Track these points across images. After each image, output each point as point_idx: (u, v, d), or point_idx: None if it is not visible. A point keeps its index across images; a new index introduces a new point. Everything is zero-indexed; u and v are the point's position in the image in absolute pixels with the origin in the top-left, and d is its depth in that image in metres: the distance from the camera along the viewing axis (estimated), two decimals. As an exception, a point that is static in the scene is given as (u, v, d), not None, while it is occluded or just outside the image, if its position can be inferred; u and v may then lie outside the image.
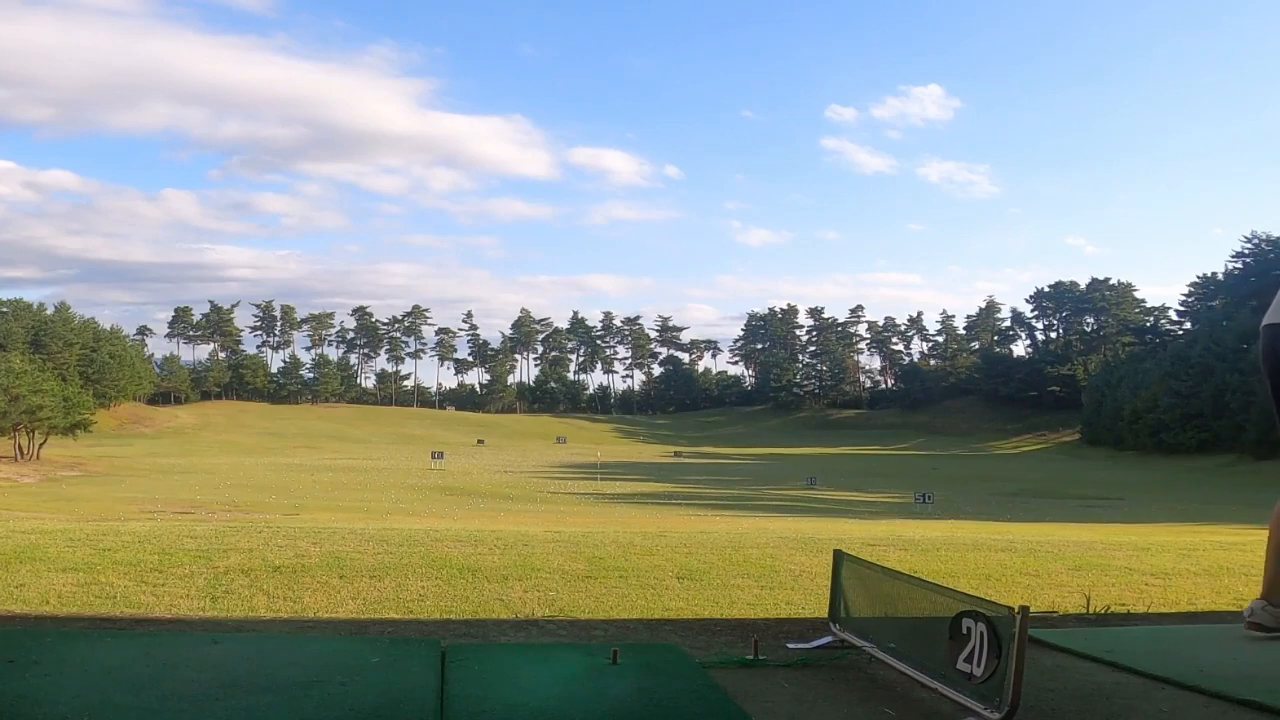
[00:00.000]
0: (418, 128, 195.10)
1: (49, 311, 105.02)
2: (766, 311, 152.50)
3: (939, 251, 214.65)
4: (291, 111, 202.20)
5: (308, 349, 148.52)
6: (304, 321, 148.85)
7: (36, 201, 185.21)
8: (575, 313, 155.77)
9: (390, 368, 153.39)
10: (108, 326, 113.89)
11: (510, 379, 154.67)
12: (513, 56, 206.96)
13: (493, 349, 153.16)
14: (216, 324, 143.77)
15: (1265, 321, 3.28)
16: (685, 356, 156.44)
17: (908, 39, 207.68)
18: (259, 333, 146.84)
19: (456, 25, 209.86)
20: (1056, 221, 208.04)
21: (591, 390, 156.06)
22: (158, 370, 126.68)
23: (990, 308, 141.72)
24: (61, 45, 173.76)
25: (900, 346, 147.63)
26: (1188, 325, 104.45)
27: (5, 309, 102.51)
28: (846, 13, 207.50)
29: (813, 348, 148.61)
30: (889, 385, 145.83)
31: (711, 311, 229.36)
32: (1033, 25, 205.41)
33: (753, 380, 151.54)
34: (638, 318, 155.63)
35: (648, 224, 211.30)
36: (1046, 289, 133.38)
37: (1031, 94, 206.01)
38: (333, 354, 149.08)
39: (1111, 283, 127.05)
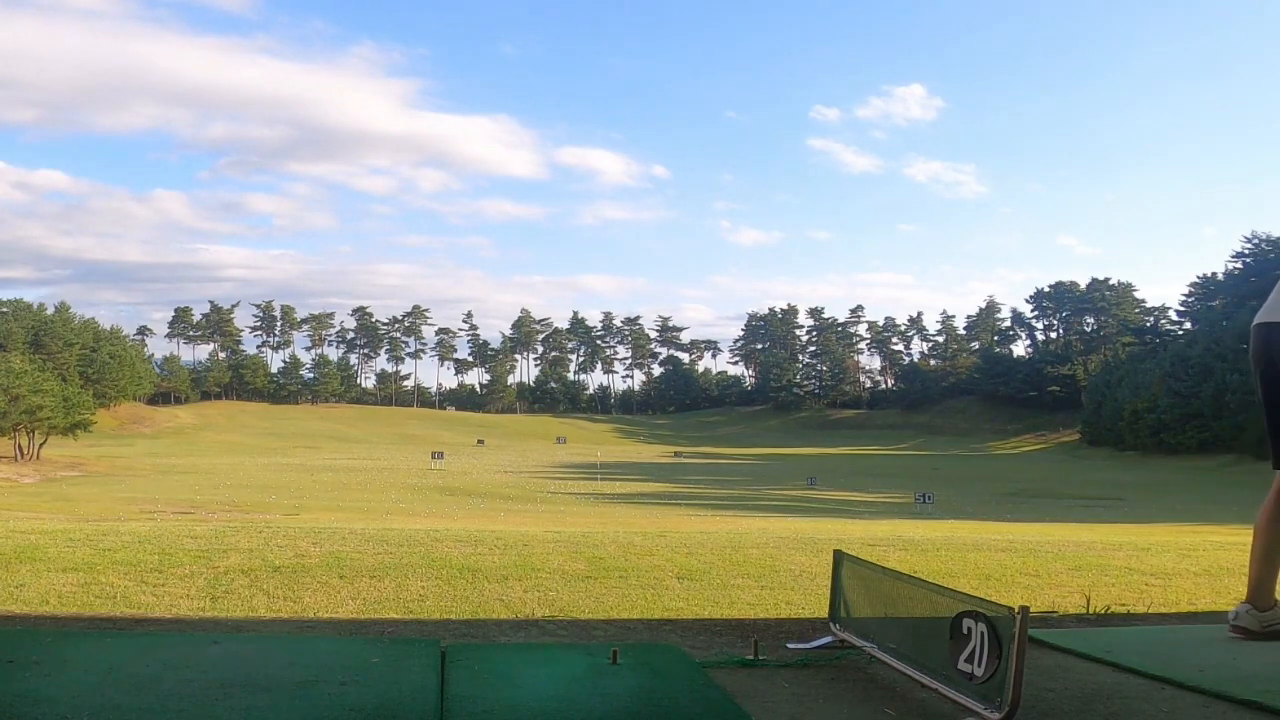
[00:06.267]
0: (404, 128, 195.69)
1: (49, 311, 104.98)
2: (766, 311, 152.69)
3: (930, 251, 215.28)
4: (276, 112, 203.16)
5: (308, 349, 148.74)
6: (304, 321, 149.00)
7: (28, 202, 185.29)
8: (575, 313, 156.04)
9: (390, 368, 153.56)
10: (107, 326, 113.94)
11: (510, 379, 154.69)
12: (495, 57, 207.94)
13: (493, 349, 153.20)
14: (216, 324, 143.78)
15: (1257, 320, 3.29)
16: (685, 357, 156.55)
17: (888, 39, 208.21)
18: (259, 333, 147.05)
19: (437, 26, 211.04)
20: (1047, 221, 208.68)
21: (591, 390, 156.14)
22: (158, 370, 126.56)
23: (990, 308, 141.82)
24: (45, 46, 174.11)
25: (900, 346, 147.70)
26: (1188, 325, 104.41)
27: (5, 309, 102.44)
28: (827, 13, 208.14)
29: (813, 348, 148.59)
30: (889, 385, 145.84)
31: (707, 311, 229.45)
32: (1014, 24, 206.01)
33: (753, 380, 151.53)
34: (637, 318, 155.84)
35: (638, 224, 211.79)
36: (1046, 289, 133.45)
37: (1014, 93, 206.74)
38: (333, 354, 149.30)
39: (1111, 283, 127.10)
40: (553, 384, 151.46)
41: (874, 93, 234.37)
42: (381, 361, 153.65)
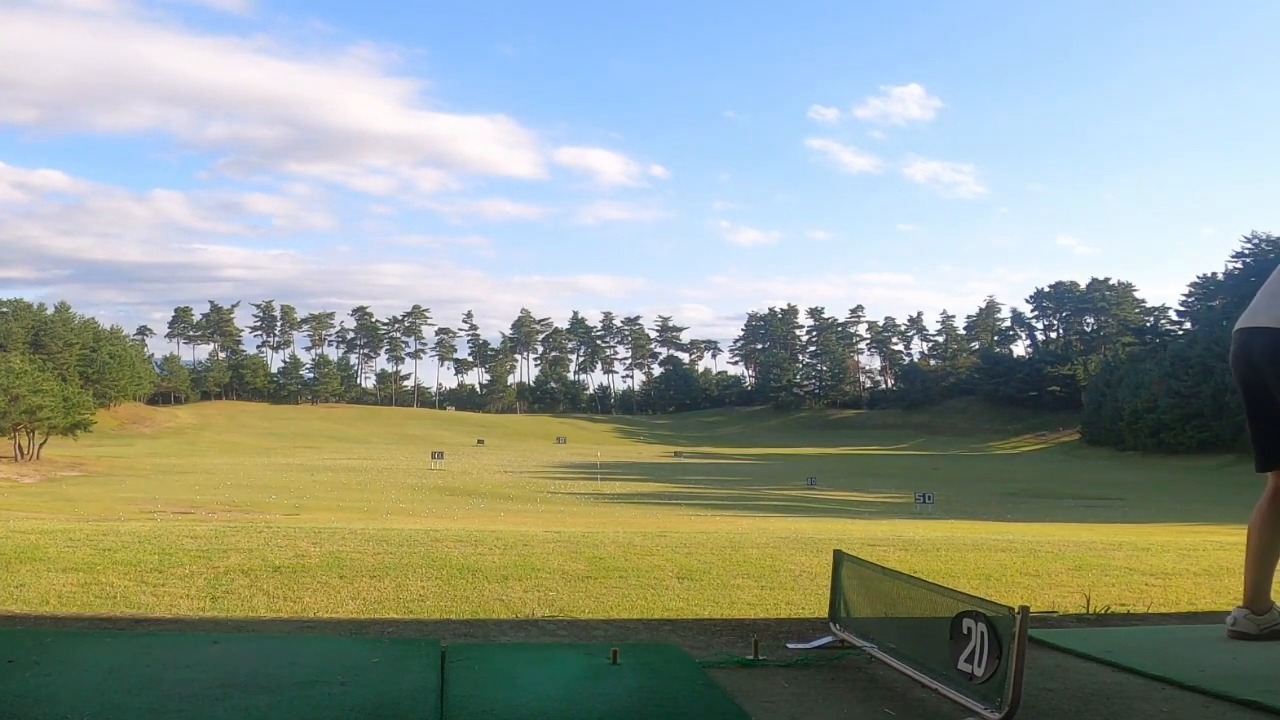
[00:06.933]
0: (402, 128, 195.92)
1: (49, 311, 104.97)
2: (766, 311, 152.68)
3: (930, 251, 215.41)
4: (275, 112, 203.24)
5: (308, 349, 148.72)
6: (304, 321, 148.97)
7: (27, 202, 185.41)
8: (575, 313, 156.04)
9: (390, 368, 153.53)
10: (107, 326, 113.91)
11: (510, 379, 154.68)
12: (493, 57, 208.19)
13: (493, 349, 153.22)
14: (216, 324, 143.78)
15: (1238, 326, 3.29)
16: (685, 356, 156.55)
17: (886, 39, 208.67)
18: (259, 333, 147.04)
19: (436, 26, 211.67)
20: (1046, 221, 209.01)
21: (591, 390, 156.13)
22: (158, 370, 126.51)
23: (990, 308, 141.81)
24: (43, 46, 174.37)
25: (900, 346, 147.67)
26: (1188, 325, 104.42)
27: (5, 309, 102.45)
28: (825, 14, 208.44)
29: (813, 348, 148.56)
30: (889, 385, 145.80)
31: (707, 312, 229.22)
32: (1012, 25, 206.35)
33: (753, 380, 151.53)
34: (637, 318, 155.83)
35: (638, 224, 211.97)
36: (1046, 289, 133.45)
37: (1013, 93, 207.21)
38: (333, 354, 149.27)
39: (1111, 283, 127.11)
40: (553, 384, 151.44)
41: (872, 93, 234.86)
42: (381, 361, 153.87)
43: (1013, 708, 2.04)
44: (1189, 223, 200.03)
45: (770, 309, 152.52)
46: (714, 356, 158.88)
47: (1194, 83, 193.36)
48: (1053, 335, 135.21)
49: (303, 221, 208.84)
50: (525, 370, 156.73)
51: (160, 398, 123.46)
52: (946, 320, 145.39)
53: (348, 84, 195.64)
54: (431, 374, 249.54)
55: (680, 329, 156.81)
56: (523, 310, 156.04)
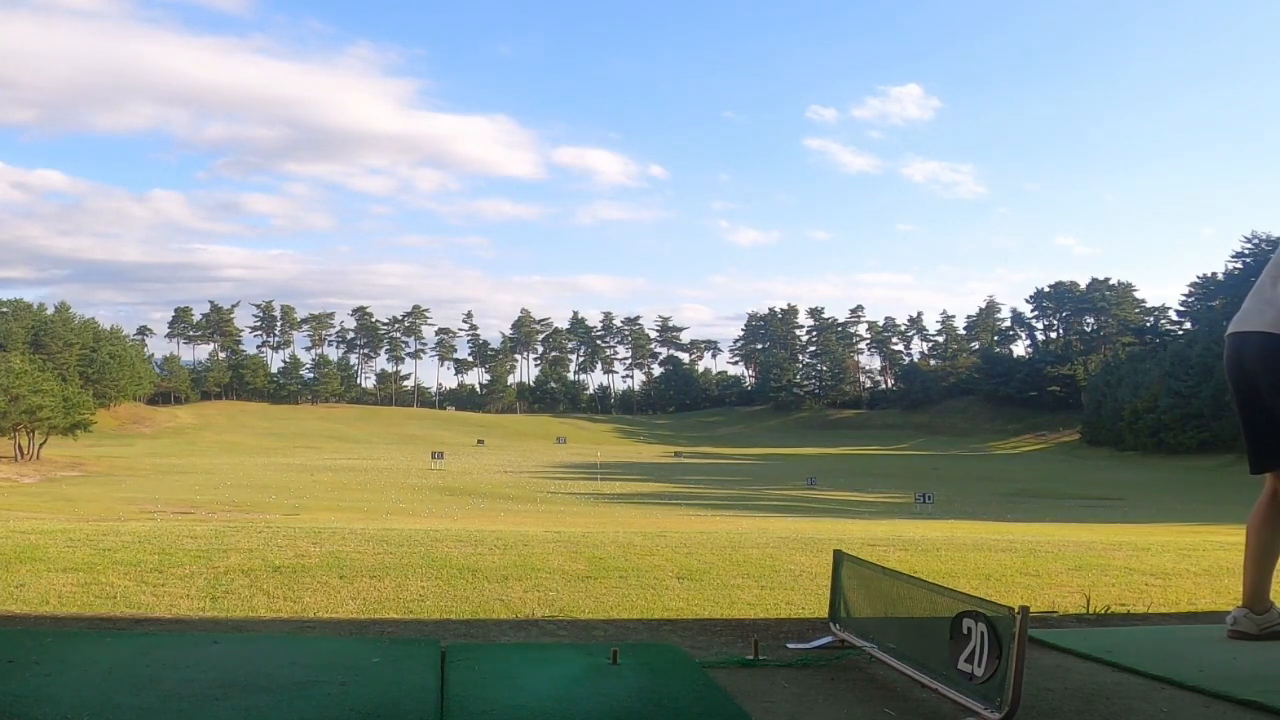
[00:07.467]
0: (401, 128, 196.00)
1: (49, 311, 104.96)
2: (766, 311, 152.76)
3: (929, 251, 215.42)
4: (274, 112, 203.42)
5: (308, 349, 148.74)
6: (304, 321, 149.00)
7: (26, 202, 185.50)
8: (575, 313, 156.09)
9: (390, 368, 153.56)
10: (107, 326, 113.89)
11: (510, 379, 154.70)
12: (492, 57, 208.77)
13: (493, 349, 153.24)
14: (216, 324, 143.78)
15: (1230, 330, 3.29)
16: (685, 356, 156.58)
17: (885, 39, 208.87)
18: (259, 333, 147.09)
19: (434, 26, 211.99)
20: (1045, 221, 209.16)
21: (591, 390, 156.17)
22: (158, 370, 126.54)
23: (990, 308, 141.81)
24: (41, 47, 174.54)
25: (900, 346, 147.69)
26: (1188, 325, 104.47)
27: (5, 309, 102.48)
28: (823, 14, 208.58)
29: (813, 348, 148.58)
30: (889, 385, 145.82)
31: (706, 311, 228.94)
32: (1011, 24, 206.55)
33: (753, 380, 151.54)
34: (637, 318, 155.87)
35: (637, 224, 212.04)
36: (1046, 289, 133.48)
37: (1012, 93, 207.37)
38: (333, 354, 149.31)
39: (1111, 283, 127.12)
40: (553, 384, 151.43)
41: (870, 93, 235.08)
42: (381, 361, 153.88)
43: (1013, 708, 2.04)
44: (1189, 223, 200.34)
45: (770, 309, 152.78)
46: (714, 356, 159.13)
47: (1194, 83, 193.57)
48: (1053, 335, 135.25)
49: (302, 221, 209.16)
50: (525, 370, 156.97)
51: (160, 398, 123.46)
52: (946, 320, 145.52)
53: (346, 84, 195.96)
54: (431, 374, 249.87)
55: (680, 329, 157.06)
56: (523, 310, 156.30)
